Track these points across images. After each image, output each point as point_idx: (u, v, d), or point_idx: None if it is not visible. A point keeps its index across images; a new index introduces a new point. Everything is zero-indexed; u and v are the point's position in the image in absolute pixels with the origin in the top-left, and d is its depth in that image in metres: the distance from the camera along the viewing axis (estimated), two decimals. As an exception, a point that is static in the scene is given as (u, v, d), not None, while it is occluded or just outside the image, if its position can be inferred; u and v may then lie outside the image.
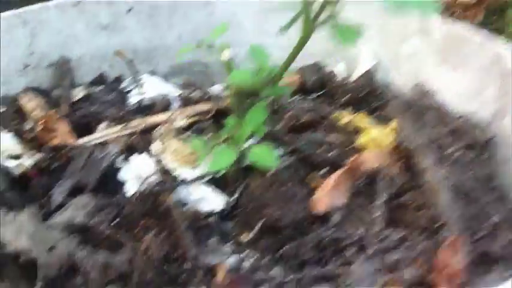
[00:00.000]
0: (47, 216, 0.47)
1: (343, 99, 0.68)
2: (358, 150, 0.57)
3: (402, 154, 0.54)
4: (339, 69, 0.74)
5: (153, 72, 0.73)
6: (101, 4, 0.70)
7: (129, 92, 0.69)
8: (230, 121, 0.50)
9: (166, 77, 0.73)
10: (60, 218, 0.47)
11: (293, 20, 0.46)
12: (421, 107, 0.66)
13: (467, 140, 0.60)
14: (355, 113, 0.64)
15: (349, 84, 0.70)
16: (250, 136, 0.50)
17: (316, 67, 0.73)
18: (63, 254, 0.42)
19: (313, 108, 0.65)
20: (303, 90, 0.70)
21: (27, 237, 0.42)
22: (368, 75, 0.71)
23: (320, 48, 0.62)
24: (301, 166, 0.54)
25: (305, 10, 0.45)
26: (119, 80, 0.72)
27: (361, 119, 0.62)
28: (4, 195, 0.48)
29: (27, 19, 0.64)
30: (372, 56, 0.72)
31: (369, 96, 0.69)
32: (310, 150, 0.56)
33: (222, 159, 0.48)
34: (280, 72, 0.49)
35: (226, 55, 0.49)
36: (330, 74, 0.72)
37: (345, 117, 0.63)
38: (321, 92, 0.70)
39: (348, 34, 0.46)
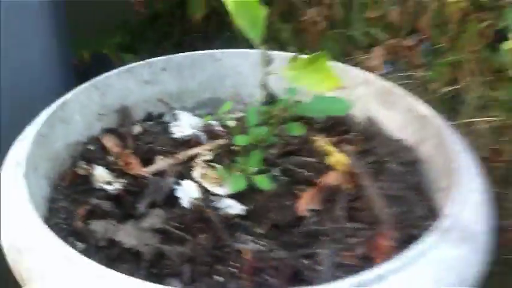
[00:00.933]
0: (136, 223, 0.77)
1: (319, 127, 0.99)
2: (328, 168, 0.87)
3: (353, 174, 0.85)
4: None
5: (183, 108, 1.03)
6: (144, 66, 1.00)
7: (169, 123, 0.99)
8: (240, 160, 0.81)
9: (193, 110, 1.04)
10: (145, 224, 0.77)
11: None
12: (371, 133, 0.97)
13: (401, 158, 0.91)
14: (327, 137, 0.95)
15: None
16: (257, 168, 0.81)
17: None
18: (154, 247, 0.72)
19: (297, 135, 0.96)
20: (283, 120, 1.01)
21: (133, 237, 0.73)
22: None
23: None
24: (290, 183, 0.85)
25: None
26: (161, 116, 1.02)
27: (328, 145, 0.93)
28: (108, 211, 0.79)
29: (98, 85, 0.94)
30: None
31: (335, 125, 1.00)
32: (295, 171, 0.87)
33: (237, 184, 0.79)
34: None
35: (231, 123, 0.80)
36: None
37: (319, 141, 0.94)
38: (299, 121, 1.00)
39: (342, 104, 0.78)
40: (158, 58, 1.01)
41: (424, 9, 1.14)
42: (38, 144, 0.80)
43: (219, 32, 1.32)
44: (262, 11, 0.76)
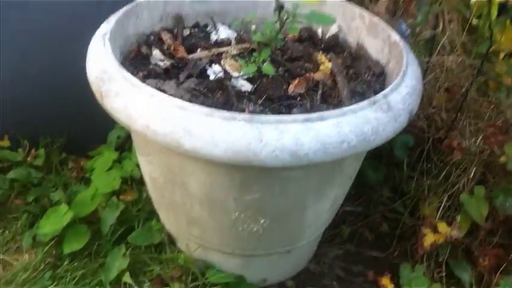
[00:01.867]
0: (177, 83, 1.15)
1: (320, 46, 1.34)
2: (319, 70, 1.22)
3: (333, 74, 1.20)
4: (332, 29, 1.39)
5: (223, 23, 1.39)
6: (199, -13, 1.37)
7: (210, 32, 1.36)
8: (255, 54, 1.17)
9: (229, 25, 1.40)
10: (186, 85, 1.14)
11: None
12: (358, 54, 1.31)
13: (373, 71, 1.24)
14: (324, 54, 1.30)
15: (325, 39, 1.35)
16: (264, 61, 1.17)
17: (308, 28, 1.38)
18: (187, 97, 1.09)
19: (303, 49, 1.31)
20: (299, 40, 1.36)
21: (174, 89, 1.10)
22: (335, 35, 1.36)
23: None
24: (288, 75, 1.20)
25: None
26: (206, 26, 1.39)
27: (324, 58, 1.27)
28: (160, 73, 1.16)
29: (164, -4, 1.31)
30: (337, 26, 1.36)
31: (334, 46, 1.35)
32: (294, 69, 1.22)
33: (248, 69, 1.14)
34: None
35: (253, 28, 1.16)
36: (315, 33, 1.37)
37: (318, 55, 1.28)
38: (309, 42, 1.36)
39: (326, 19, 1.12)
40: (209, -17, 1.38)
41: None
42: (117, 26, 1.17)
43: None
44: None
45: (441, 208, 1.28)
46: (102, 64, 1.07)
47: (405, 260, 1.37)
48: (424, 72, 1.43)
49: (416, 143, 1.42)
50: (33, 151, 1.56)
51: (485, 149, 1.26)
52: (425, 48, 1.45)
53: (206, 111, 0.96)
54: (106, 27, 1.16)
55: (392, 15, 1.55)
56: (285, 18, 1.13)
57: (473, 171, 1.26)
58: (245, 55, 1.25)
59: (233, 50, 1.26)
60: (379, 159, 1.48)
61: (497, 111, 1.30)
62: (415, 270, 1.28)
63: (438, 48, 1.39)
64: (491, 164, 1.27)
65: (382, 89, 1.19)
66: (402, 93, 1.05)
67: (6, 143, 1.55)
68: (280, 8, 1.13)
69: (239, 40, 1.32)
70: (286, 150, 0.93)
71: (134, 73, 1.15)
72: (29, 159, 1.55)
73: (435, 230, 1.24)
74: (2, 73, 1.46)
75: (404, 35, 1.43)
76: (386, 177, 1.48)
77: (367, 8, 1.58)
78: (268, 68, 1.15)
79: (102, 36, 1.14)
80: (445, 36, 1.36)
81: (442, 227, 1.23)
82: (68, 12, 1.40)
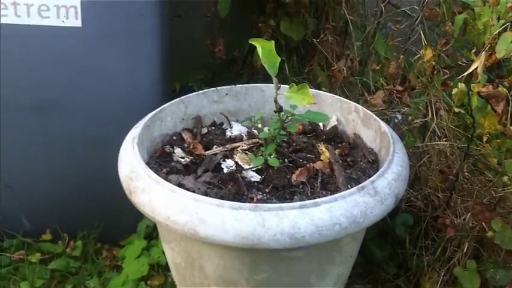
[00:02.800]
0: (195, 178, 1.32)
1: (322, 138, 1.51)
2: (319, 160, 1.39)
3: (331, 163, 1.36)
4: (332, 122, 1.56)
5: (237, 121, 1.59)
6: (214, 91, 1.57)
7: (226, 129, 1.55)
8: (262, 149, 1.34)
9: (242, 123, 1.59)
10: (200, 179, 1.32)
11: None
12: (355, 143, 1.48)
13: (367, 159, 1.41)
14: (325, 145, 1.47)
15: (326, 131, 1.53)
16: (271, 154, 1.34)
17: (311, 122, 1.56)
18: (203, 189, 1.27)
19: (307, 141, 1.48)
20: (303, 132, 1.54)
21: (192, 183, 1.27)
22: (334, 128, 1.54)
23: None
24: (293, 165, 1.37)
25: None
26: (221, 124, 1.58)
27: (324, 148, 1.44)
28: (180, 169, 1.34)
29: (184, 100, 1.51)
30: (336, 119, 1.54)
31: (334, 137, 1.52)
32: (298, 160, 1.39)
33: (257, 162, 1.32)
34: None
35: (259, 126, 1.34)
36: (317, 126, 1.55)
37: (320, 146, 1.46)
38: (312, 134, 1.53)
39: (320, 116, 1.31)
40: (223, 87, 1.58)
41: (410, 66, 1.64)
42: (144, 130, 1.37)
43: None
44: (278, 59, 1.29)
45: (439, 282, 1.39)
46: (130, 165, 1.25)
47: (413, 332, 1.48)
48: (419, 156, 1.59)
49: (416, 222, 1.56)
50: (71, 243, 1.75)
51: (475, 225, 1.39)
52: (418, 134, 1.61)
53: (217, 202, 1.12)
54: (134, 132, 1.36)
55: (388, 106, 1.73)
56: (284, 118, 1.31)
57: (466, 246, 1.38)
58: (254, 149, 1.43)
59: (244, 145, 1.44)
60: (384, 238, 1.62)
61: (486, 189, 1.43)
62: None
63: (429, 133, 1.55)
64: (482, 239, 1.39)
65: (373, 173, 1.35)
66: (388, 179, 1.21)
67: (48, 236, 1.75)
68: (279, 109, 1.31)
69: (249, 136, 1.50)
70: (286, 234, 1.08)
71: (159, 170, 1.34)
72: (67, 250, 1.74)
73: (434, 303, 1.36)
74: (43, 173, 1.67)
75: (398, 124, 1.60)
76: (391, 254, 1.61)
77: (365, 100, 1.77)
78: (273, 161, 1.32)
79: (131, 140, 1.33)
80: (434, 123, 1.52)
81: (440, 299, 1.35)
82: (102, 117, 1.62)
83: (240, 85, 1.60)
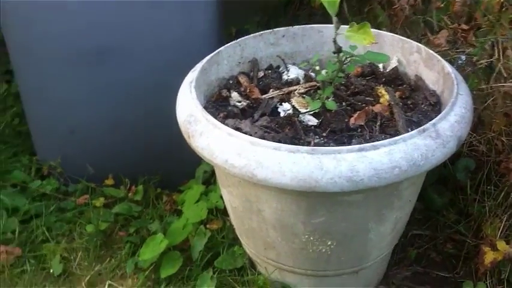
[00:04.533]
0: (252, 122, 1.31)
1: (381, 80, 1.47)
2: (378, 103, 1.35)
3: (390, 106, 1.32)
4: (392, 63, 1.51)
5: (294, 64, 1.56)
6: (271, 33, 1.54)
7: (282, 72, 1.53)
8: (319, 92, 1.32)
9: (299, 65, 1.55)
10: (257, 123, 1.31)
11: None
12: (416, 86, 1.43)
13: (429, 101, 1.36)
14: (385, 87, 1.43)
15: (385, 73, 1.48)
16: (328, 97, 1.32)
17: (370, 64, 1.51)
18: (260, 133, 1.26)
19: (365, 83, 1.44)
20: (362, 75, 1.50)
21: (249, 127, 1.27)
22: (394, 69, 1.49)
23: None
24: (351, 109, 1.34)
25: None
26: (278, 67, 1.56)
27: (383, 91, 1.40)
28: (237, 113, 1.34)
29: (240, 43, 1.49)
30: (397, 60, 1.49)
31: (395, 79, 1.47)
32: (356, 103, 1.36)
33: (314, 105, 1.30)
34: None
35: (317, 68, 1.31)
36: (377, 67, 1.51)
37: (379, 88, 1.41)
38: (371, 77, 1.49)
39: (380, 57, 1.27)
40: (280, 28, 1.55)
41: (477, 3, 1.56)
42: (201, 74, 1.37)
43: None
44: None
45: (502, 228, 1.35)
46: (188, 108, 1.26)
47: (470, 279, 1.45)
48: (484, 99, 1.52)
49: (478, 167, 1.51)
50: (133, 188, 1.79)
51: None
52: (483, 75, 1.54)
53: (274, 146, 1.12)
54: (192, 75, 1.36)
55: (452, 46, 1.65)
56: (343, 59, 1.28)
57: (530, 191, 1.34)
58: (311, 93, 1.41)
59: (300, 88, 1.42)
60: (444, 184, 1.58)
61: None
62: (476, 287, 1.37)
63: (495, 75, 1.48)
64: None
65: (434, 116, 1.30)
66: (450, 121, 1.17)
67: (110, 181, 1.81)
68: (338, 50, 1.27)
69: (307, 79, 1.47)
70: (344, 177, 1.07)
71: (216, 114, 1.34)
72: (129, 195, 1.79)
73: (495, 248, 1.32)
74: (103, 119, 1.71)
75: (462, 65, 1.54)
76: (451, 201, 1.57)
77: (428, 40, 1.70)
78: (331, 104, 1.30)
79: (188, 83, 1.33)
80: (500, 64, 1.45)
81: (501, 245, 1.31)
82: (159, 62, 1.62)
83: (297, 26, 1.56)
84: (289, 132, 1.27)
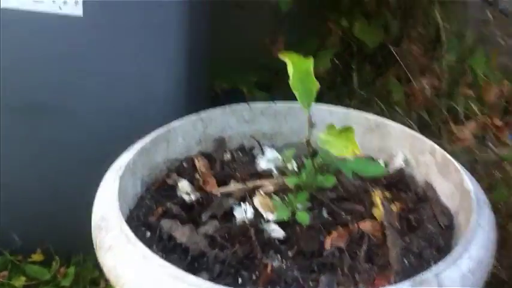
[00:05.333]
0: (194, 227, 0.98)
1: (384, 183, 1.12)
2: (370, 217, 1.01)
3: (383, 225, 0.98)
4: (397, 162, 1.18)
5: (272, 146, 1.23)
6: (246, 109, 1.21)
7: (256, 155, 1.19)
8: (289, 197, 0.98)
9: (280, 149, 1.22)
10: (200, 229, 0.97)
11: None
12: (425, 196, 1.08)
13: (440, 220, 1.01)
14: (384, 192, 1.08)
15: (387, 174, 1.14)
16: (302, 205, 0.98)
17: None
18: (199, 247, 0.92)
19: (360, 184, 1.10)
20: (357, 172, 1.15)
21: (186, 237, 0.93)
22: (400, 171, 1.14)
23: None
24: (329, 223, 0.99)
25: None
26: (251, 149, 1.23)
27: (379, 200, 1.05)
28: (177, 214, 1.00)
29: (203, 118, 1.17)
30: (403, 159, 1.15)
31: (399, 183, 1.13)
32: (339, 213, 1.01)
33: (281, 214, 0.96)
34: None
35: (290, 166, 0.98)
36: (377, 165, 1.16)
37: (375, 194, 1.07)
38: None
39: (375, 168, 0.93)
40: (258, 104, 1.23)
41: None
42: (139, 156, 1.05)
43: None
44: (315, 85, 0.92)
45: None
46: (103, 208, 0.93)
47: None
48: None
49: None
50: (62, 269, 1.46)
51: None
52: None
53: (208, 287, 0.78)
54: (125, 157, 1.04)
55: (480, 142, 1.31)
56: (320, 164, 0.94)
57: None
58: (284, 192, 1.07)
59: (270, 185, 1.08)
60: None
61: None
62: None
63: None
64: None
65: (448, 246, 0.95)
66: (462, 270, 0.81)
67: (39, 257, 1.49)
68: (312, 154, 0.94)
69: (282, 170, 1.14)
70: None
71: (153, 208, 1.02)
72: (58, 277, 1.46)
73: None
74: (34, 187, 1.42)
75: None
76: None
77: (450, 131, 1.36)
78: (302, 216, 0.96)
79: (115, 171, 1.01)
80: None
81: None
82: (103, 128, 1.32)
83: (281, 103, 1.24)
84: (240, 248, 0.93)
